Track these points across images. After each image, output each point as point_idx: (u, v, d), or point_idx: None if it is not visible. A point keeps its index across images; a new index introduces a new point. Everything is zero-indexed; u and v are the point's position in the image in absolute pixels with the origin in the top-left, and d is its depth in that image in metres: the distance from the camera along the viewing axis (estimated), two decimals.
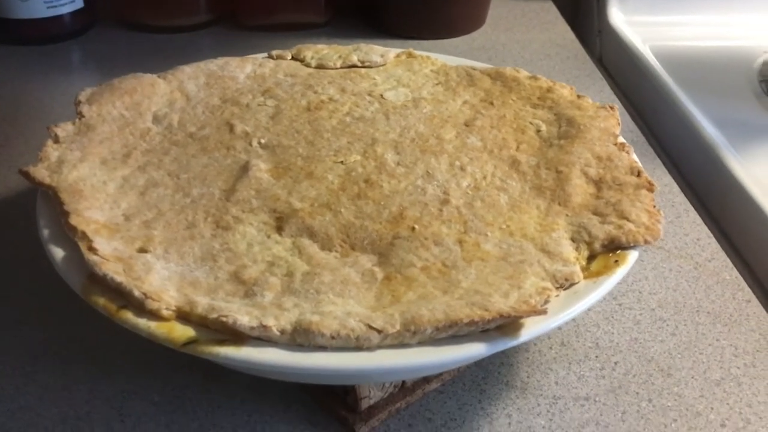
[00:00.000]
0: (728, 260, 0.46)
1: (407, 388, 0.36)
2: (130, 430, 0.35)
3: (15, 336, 0.39)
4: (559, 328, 0.41)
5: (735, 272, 0.45)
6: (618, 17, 0.79)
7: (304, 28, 0.71)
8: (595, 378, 0.38)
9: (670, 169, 0.57)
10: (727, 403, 0.37)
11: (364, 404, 0.35)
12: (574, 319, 0.42)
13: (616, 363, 0.39)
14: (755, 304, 0.43)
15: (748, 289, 0.44)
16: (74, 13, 0.67)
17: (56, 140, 0.40)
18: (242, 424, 0.35)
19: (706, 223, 0.50)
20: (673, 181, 0.54)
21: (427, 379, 0.37)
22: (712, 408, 0.37)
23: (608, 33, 0.78)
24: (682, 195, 0.52)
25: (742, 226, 0.52)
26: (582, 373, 0.38)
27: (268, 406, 0.36)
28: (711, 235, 0.49)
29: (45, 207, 0.36)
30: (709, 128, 0.61)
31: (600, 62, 0.79)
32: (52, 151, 0.39)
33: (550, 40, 0.73)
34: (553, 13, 0.80)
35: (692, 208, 0.51)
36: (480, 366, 0.39)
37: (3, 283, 0.42)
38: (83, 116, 0.42)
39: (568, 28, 0.76)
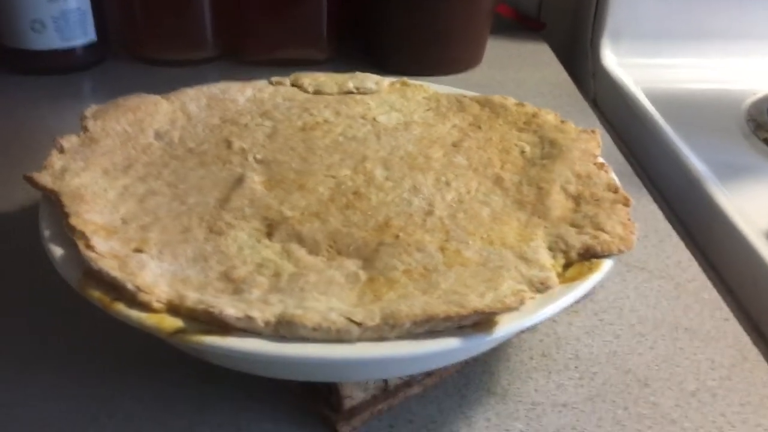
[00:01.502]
0: (708, 281, 0.48)
1: (390, 391, 0.37)
2: (116, 428, 0.36)
3: (5, 333, 0.41)
4: (540, 340, 0.42)
5: (714, 293, 0.47)
6: (611, 60, 0.81)
7: (306, 64, 0.74)
8: (574, 387, 0.39)
9: (657, 200, 0.59)
10: (702, 413, 0.38)
11: (347, 404, 0.36)
12: (555, 332, 0.43)
13: (594, 373, 0.40)
14: (733, 323, 0.44)
15: (726, 309, 0.45)
16: (87, 47, 0.70)
17: (61, 151, 0.42)
18: (229, 420, 0.36)
19: (689, 248, 0.51)
20: (658, 209, 0.55)
21: (409, 383, 0.38)
22: (686, 416, 0.37)
23: (602, 75, 0.81)
24: (666, 222, 0.54)
25: (724, 253, 0.54)
26: (561, 381, 0.39)
27: (255, 404, 0.37)
28: (693, 258, 0.50)
29: (47, 210, 0.38)
30: (697, 164, 0.63)
31: (594, 103, 0.81)
32: (56, 161, 0.41)
33: (543, 79, 0.76)
34: (548, 54, 0.83)
35: (675, 234, 0.52)
36: (462, 373, 0.40)
37: (3, 286, 0.44)
38: (88, 130, 0.44)
39: (562, 69, 0.79)
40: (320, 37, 0.74)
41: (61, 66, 0.70)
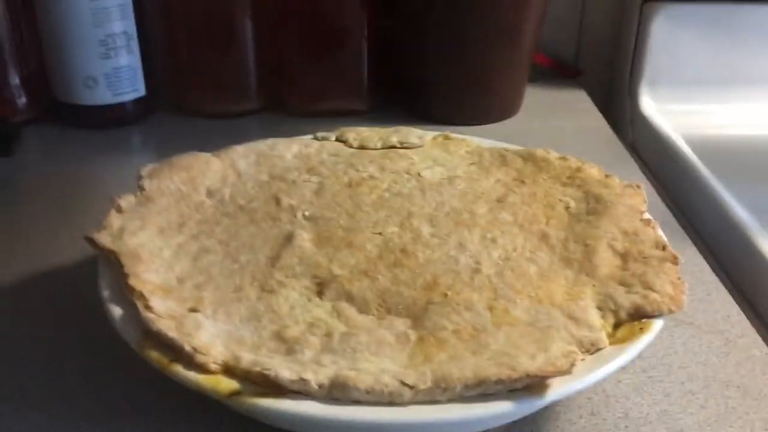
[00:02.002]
0: (758, 337, 0.47)
1: None
2: None
3: (64, 395, 0.42)
4: (588, 398, 0.42)
5: (766, 349, 0.46)
6: (650, 106, 0.82)
7: (348, 114, 0.75)
8: None
9: (702, 251, 0.59)
10: None
11: None
12: (604, 390, 0.42)
13: None
14: None
15: None
16: (137, 101, 0.73)
17: (119, 210, 0.44)
18: None
19: (737, 302, 0.51)
20: (704, 261, 0.55)
21: None
22: None
23: (640, 121, 0.81)
24: (713, 274, 0.53)
25: None
26: None
27: None
28: (741, 312, 0.49)
29: (106, 270, 0.40)
30: (741, 212, 0.62)
31: (633, 149, 0.81)
32: (114, 220, 0.43)
33: (582, 127, 0.76)
34: (587, 102, 0.83)
35: (723, 287, 0.52)
36: None
37: (60, 346, 0.45)
38: (144, 189, 0.46)
39: (600, 116, 0.80)
40: (361, 86, 0.75)
41: (111, 120, 0.72)
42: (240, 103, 0.76)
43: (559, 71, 0.87)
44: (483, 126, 0.75)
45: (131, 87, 0.71)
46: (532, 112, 0.80)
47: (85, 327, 0.45)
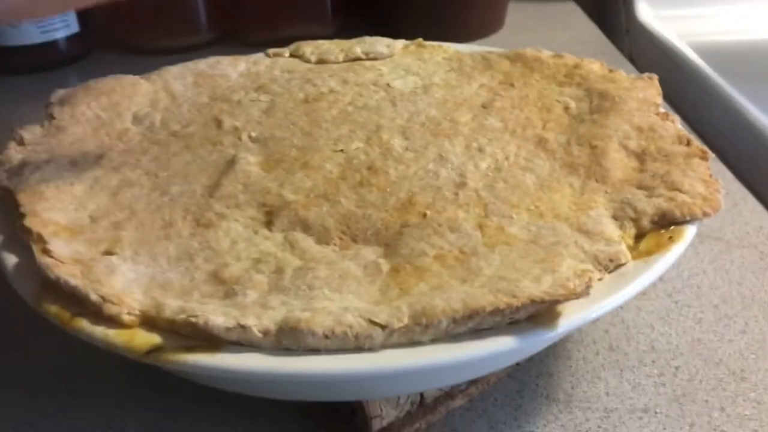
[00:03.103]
0: None
1: (427, 406, 0.30)
2: None
3: None
4: (605, 330, 0.35)
5: None
6: (647, 13, 0.73)
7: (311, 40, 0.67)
8: (654, 386, 0.32)
9: (721, 159, 0.51)
10: None
11: (376, 425, 0.29)
12: (623, 320, 0.35)
13: (677, 368, 0.33)
14: None
15: None
16: (70, 39, 0.64)
17: (21, 143, 0.36)
18: None
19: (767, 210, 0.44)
20: (725, 168, 0.48)
21: (450, 395, 0.31)
22: None
23: (638, 31, 0.73)
24: (738, 182, 0.46)
25: None
26: (637, 381, 0.32)
27: (262, 430, 0.30)
28: None
29: (3, 212, 0.32)
30: (762, 118, 0.55)
31: (631, 62, 0.73)
32: (14, 154, 0.35)
33: (574, 38, 0.68)
34: (577, 13, 0.75)
35: (750, 195, 0.45)
36: (513, 378, 0.33)
37: None
38: (54, 118, 0.38)
39: (594, 26, 0.72)
40: (324, 7, 0.67)
41: (42, 62, 0.64)
42: (188, 35, 0.68)
43: None
44: (463, 44, 0.67)
45: (62, 22, 0.63)
46: (517, 27, 0.71)
47: None
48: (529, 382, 0.32)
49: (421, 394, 0.30)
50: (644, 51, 0.72)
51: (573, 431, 0.30)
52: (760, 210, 0.43)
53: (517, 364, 0.33)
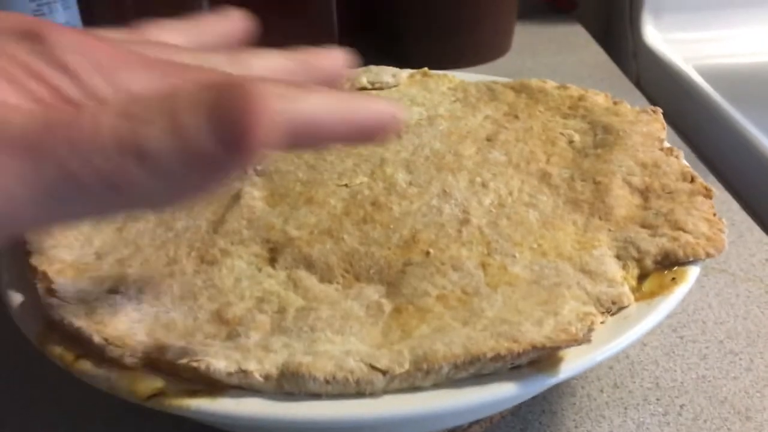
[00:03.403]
0: None
1: None
2: None
3: None
4: (610, 367, 0.35)
5: None
6: (654, 36, 0.73)
7: None
8: (659, 425, 0.32)
9: (727, 188, 0.51)
10: None
11: None
12: (627, 356, 0.35)
13: (682, 406, 0.33)
14: None
15: None
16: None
17: None
18: None
19: None
20: (731, 198, 0.48)
21: None
22: None
23: (645, 54, 0.73)
24: (743, 213, 0.46)
25: None
26: (642, 419, 0.32)
27: None
28: None
29: (9, 251, 0.32)
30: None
31: (638, 85, 0.73)
32: None
33: (581, 62, 0.69)
34: (583, 36, 0.75)
35: (756, 227, 0.45)
36: (517, 416, 0.32)
37: None
38: None
39: (601, 49, 0.72)
40: (330, 30, 0.67)
41: None
42: None
43: (551, 4, 0.79)
44: (470, 68, 0.67)
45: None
46: (524, 51, 0.71)
47: None
48: (532, 420, 0.32)
49: None
50: (651, 74, 0.72)
51: None
52: (767, 242, 0.43)
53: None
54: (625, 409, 0.33)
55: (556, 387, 0.34)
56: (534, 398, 0.33)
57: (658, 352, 0.36)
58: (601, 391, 0.34)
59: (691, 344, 0.36)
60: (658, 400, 0.33)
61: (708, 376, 0.34)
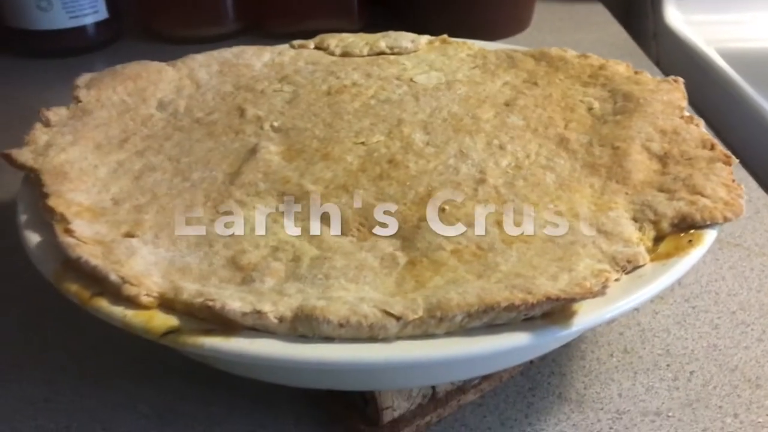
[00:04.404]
0: None
1: (439, 399, 0.31)
2: None
3: None
4: (620, 333, 0.35)
5: None
6: (676, 17, 0.73)
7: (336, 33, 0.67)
8: (668, 390, 0.32)
9: (745, 167, 0.51)
10: None
11: (387, 416, 0.29)
12: (638, 323, 0.35)
13: (691, 372, 0.33)
14: None
15: None
16: (98, 24, 0.65)
17: (47, 124, 0.36)
18: None
19: None
20: (748, 175, 0.47)
21: (462, 389, 0.31)
22: None
23: (666, 36, 0.73)
24: (761, 190, 0.46)
25: None
26: (651, 384, 0.32)
27: (275, 420, 0.31)
28: None
29: (27, 192, 0.33)
30: None
31: (657, 66, 0.72)
32: (40, 135, 0.35)
33: (601, 41, 0.68)
34: (604, 15, 0.75)
35: None
36: (526, 376, 0.33)
37: None
38: (80, 101, 0.38)
39: (621, 28, 0.71)
40: (351, 2, 0.67)
41: (69, 47, 0.64)
42: (215, 25, 0.68)
43: None
44: (488, 42, 0.67)
45: (91, 8, 0.63)
46: (543, 27, 0.71)
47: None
48: (541, 380, 0.32)
49: (433, 388, 0.30)
50: (671, 55, 0.72)
51: (584, 431, 0.30)
52: None
53: (531, 362, 0.33)
54: (635, 373, 0.33)
55: (566, 350, 0.34)
56: (544, 359, 0.33)
57: (670, 320, 0.36)
58: (611, 355, 0.34)
59: (703, 314, 0.36)
60: (668, 366, 0.33)
61: (719, 345, 0.34)
